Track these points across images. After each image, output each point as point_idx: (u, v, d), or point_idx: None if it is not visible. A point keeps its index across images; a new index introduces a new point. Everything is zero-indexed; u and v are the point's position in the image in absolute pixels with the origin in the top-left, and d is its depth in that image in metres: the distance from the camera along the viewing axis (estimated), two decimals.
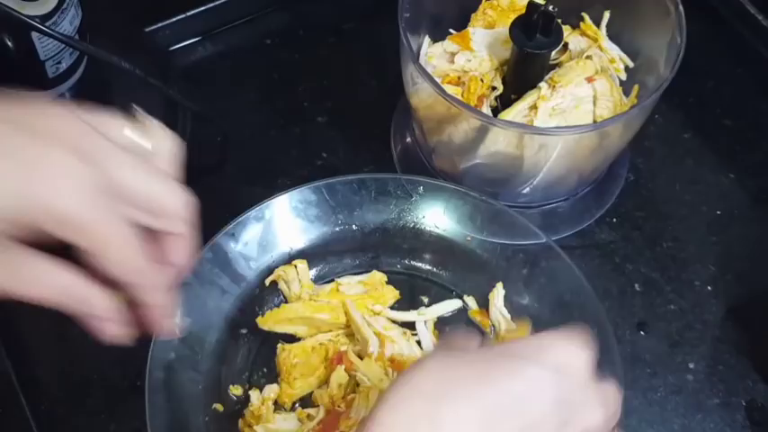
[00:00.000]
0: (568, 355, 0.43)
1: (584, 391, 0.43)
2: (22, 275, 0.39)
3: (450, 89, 0.70)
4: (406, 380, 0.41)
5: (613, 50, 0.73)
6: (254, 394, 0.61)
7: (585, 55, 0.71)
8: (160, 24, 0.80)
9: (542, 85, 0.68)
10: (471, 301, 0.67)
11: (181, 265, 0.44)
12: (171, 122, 0.72)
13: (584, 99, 0.68)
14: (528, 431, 0.41)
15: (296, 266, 0.66)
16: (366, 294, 0.65)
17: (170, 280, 0.43)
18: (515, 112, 0.68)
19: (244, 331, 0.64)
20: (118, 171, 0.38)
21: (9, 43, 0.59)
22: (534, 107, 0.67)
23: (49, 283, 0.39)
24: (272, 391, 0.62)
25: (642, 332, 0.69)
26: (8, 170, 0.36)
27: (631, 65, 0.73)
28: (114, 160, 0.38)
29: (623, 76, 0.72)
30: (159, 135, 0.42)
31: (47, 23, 0.57)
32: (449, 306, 0.66)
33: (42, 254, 0.39)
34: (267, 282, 0.65)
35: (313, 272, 0.67)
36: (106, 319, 0.41)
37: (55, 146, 0.37)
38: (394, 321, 0.65)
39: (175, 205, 0.41)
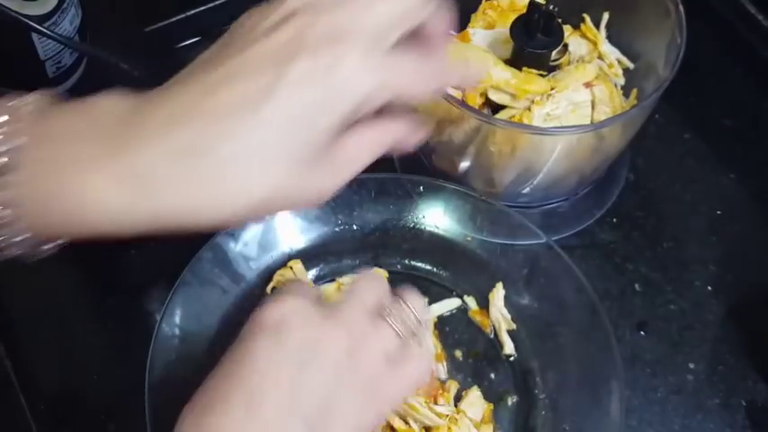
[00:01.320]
0: (285, 311, 0.46)
1: (316, 328, 0.46)
2: (345, 165, 0.44)
3: (450, 89, 0.70)
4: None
5: (612, 54, 0.73)
6: None
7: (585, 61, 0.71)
8: (160, 24, 0.80)
9: None
10: (471, 301, 0.67)
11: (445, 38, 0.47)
12: None
13: (582, 104, 0.68)
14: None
15: (291, 268, 0.66)
16: None
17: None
18: (509, 116, 0.68)
19: None
20: (364, 20, 0.42)
21: (9, 43, 0.59)
22: (528, 110, 0.67)
23: (367, 149, 0.45)
24: None
25: (642, 332, 0.69)
26: (316, 93, 0.40)
27: (631, 66, 0.73)
28: (353, 15, 0.42)
29: (621, 81, 0.72)
30: None
31: (47, 23, 0.57)
32: (448, 305, 0.66)
33: (346, 134, 0.43)
34: (268, 289, 0.65)
35: (313, 272, 0.67)
36: (410, 135, 0.47)
37: (321, 51, 0.41)
38: None
39: (428, 12, 0.45)
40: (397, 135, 0.46)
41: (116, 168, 0.40)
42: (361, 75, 0.41)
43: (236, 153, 0.40)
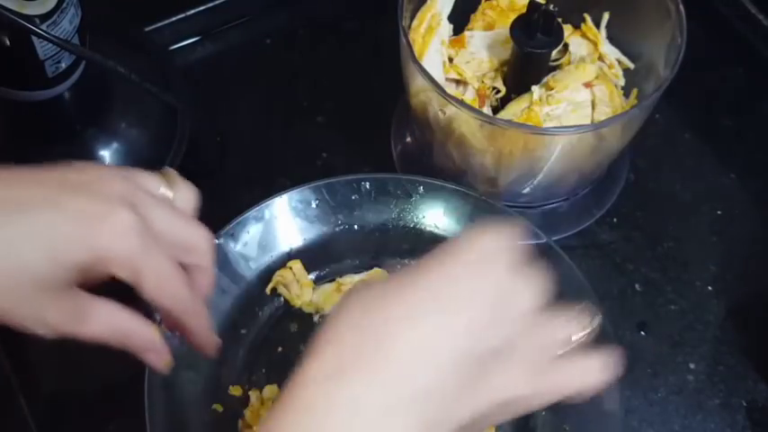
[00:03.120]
0: (486, 247, 0.44)
1: (512, 277, 0.44)
2: (83, 317, 0.45)
3: (450, 89, 0.70)
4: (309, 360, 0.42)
5: (613, 54, 0.73)
6: (253, 395, 0.61)
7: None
8: (160, 24, 0.80)
9: (535, 89, 0.68)
10: None
11: (207, 294, 0.51)
12: (170, 121, 0.73)
13: (582, 104, 0.68)
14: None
15: (291, 268, 0.66)
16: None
17: (202, 306, 0.51)
18: (510, 115, 0.68)
19: (244, 331, 0.64)
20: (158, 220, 0.47)
21: (8, 43, 0.58)
22: (529, 109, 0.67)
23: (105, 322, 0.46)
24: (271, 391, 0.62)
25: (642, 332, 0.69)
26: (79, 227, 0.43)
27: (631, 66, 0.73)
28: (155, 212, 0.47)
29: (621, 82, 0.72)
30: (181, 185, 0.50)
31: (46, 23, 0.57)
32: None
33: (99, 297, 0.46)
34: (268, 290, 0.65)
35: (314, 272, 0.67)
36: (152, 350, 0.49)
37: (112, 203, 0.44)
38: None
39: (202, 242, 0.50)
40: (142, 342, 0.48)
41: None
42: (120, 237, 0.44)
43: None
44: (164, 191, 0.50)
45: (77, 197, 0.44)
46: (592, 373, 0.46)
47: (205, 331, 0.51)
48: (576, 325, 0.47)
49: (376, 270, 0.67)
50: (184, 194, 0.50)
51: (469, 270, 0.43)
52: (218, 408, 0.61)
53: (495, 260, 0.43)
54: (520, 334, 0.43)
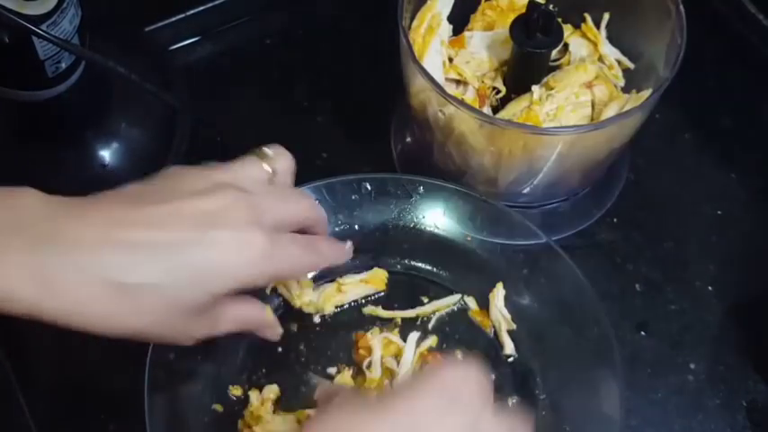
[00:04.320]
0: (460, 381, 0.45)
1: (485, 414, 0.45)
2: (218, 323, 0.51)
3: (450, 89, 0.70)
4: None
5: (612, 54, 0.73)
6: (253, 395, 0.61)
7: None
8: (160, 24, 0.80)
9: (535, 88, 0.68)
10: (471, 302, 0.67)
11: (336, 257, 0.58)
12: (170, 121, 0.73)
13: (582, 104, 0.68)
14: None
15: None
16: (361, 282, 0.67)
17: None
18: (510, 115, 0.68)
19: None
20: (272, 214, 0.51)
21: (8, 43, 0.58)
22: (528, 109, 0.67)
23: (233, 320, 0.52)
24: (271, 391, 0.62)
25: (643, 332, 0.69)
26: (224, 259, 0.48)
27: (631, 66, 0.73)
28: (266, 209, 0.51)
29: (621, 83, 0.72)
30: (277, 159, 0.55)
31: (46, 23, 0.57)
32: (448, 301, 0.66)
33: (224, 300, 0.50)
34: (268, 290, 0.65)
35: (313, 272, 0.67)
36: (268, 327, 0.57)
37: (245, 230, 0.49)
38: (392, 319, 0.65)
39: (315, 213, 0.56)
40: (261, 324, 0.57)
41: (32, 264, 0.44)
42: (259, 263, 0.49)
43: (137, 287, 0.46)
44: (266, 168, 0.54)
45: (215, 232, 0.48)
46: None
47: (341, 255, 0.59)
48: None
49: (376, 270, 0.67)
50: (283, 165, 0.55)
51: (439, 409, 0.44)
52: (219, 408, 0.61)
53: (469, 399, 0.45)
54: None
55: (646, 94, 0.66)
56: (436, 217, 0.68)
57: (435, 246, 0.68)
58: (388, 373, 0.63)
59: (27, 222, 0.45)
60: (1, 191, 0.47)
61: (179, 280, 0.47)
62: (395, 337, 0.64)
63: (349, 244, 0.59)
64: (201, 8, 0.81)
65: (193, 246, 0.47)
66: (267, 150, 0.55)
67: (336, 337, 0.65)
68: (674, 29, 0.66)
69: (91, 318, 0.46)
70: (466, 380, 0.45)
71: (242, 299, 0.53)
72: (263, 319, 0.56)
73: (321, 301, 0.65)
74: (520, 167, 0.67)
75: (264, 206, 0.51)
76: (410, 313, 0.66)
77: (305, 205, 0.55)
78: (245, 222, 0.49)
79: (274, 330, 0.58)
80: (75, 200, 0.48)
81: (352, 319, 0.66)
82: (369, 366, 0.62)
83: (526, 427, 0.48)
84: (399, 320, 0.66)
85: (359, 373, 0.63)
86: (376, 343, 0.63)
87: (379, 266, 0.68)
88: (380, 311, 0.66)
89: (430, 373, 0.47)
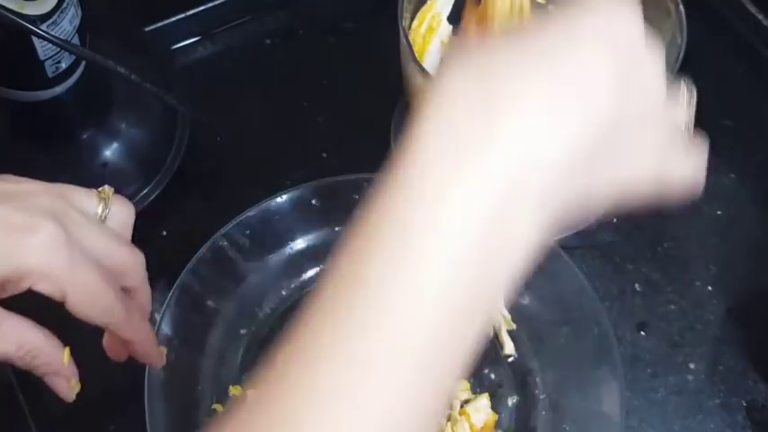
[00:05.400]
0: (620, 21, 0.37)
1: (642, 58, 0.37)
2: None
3: None
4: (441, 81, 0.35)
5: None
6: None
7: None
8: (160, 24, 0.80)
9: None
10: None
11: (146, 310, 0.51)
12: (170, 121, 0.73)
13: None
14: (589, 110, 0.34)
15: None
16: None
17: (140, 319, 0.50)
18: None
19: (243, 331, 0.64)
20: (87, 239, 0.45)
21: (8, 42, 0.58)
22: None
23: (15, 339, 0.45)
24: None
25: (642, 332, 0.69)
26: (3, 238, 0.42)
27: None
28: (84, 230, 0.45)
29: None
30: (117, 204, 0.50)
31: (46, 23, 0.57)
32: None
33: (10, 312, 0.45)
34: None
35: (313, 272, 0.67)
36: (58, 374, 0.48)
37: (40, 216, 0.43)
38: None
39: (132, 264, 0.48)
40: (50, 364, 0.47)
41: None
42: (45, 251, 0.43)
43: None
44: (98, 210, 0.49)
45: (2, 207, 0.43)
46: (699, 168, 0.43)
47: (147, 343, 0.51)
48: (687, 111, 0.43)
49: None
50: (120, 213, 0.49)
51: (599, 27, 0.36)
52: (219, 408, 0.61)
53: (626, 21, 0.36)
54: (653, 108, 0.38)
55: None
56: None
57: None
58: None
59: None
60: None
61: None
62: None
63: (163, 351, 0.55)
64: (202, 8, 0.81)
65: None
66: (107, 188, 0.50)
67: None
68: (673, 28, 0.66)
69: None
70: (627, 22, 0.36)
71: (32, 324, 0.46)
72: (52, 358, 0.47)
73: None
74: None
75: (78, 221, 0.45)
76: None
77: (127, 250, 0.48)
78: (44, 210, 0.43)
79: (66, 382, 0.49)
80: None
81: None
82: None
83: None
84: None
85: None
86: None
87: None
88: None
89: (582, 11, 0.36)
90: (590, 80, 0.35)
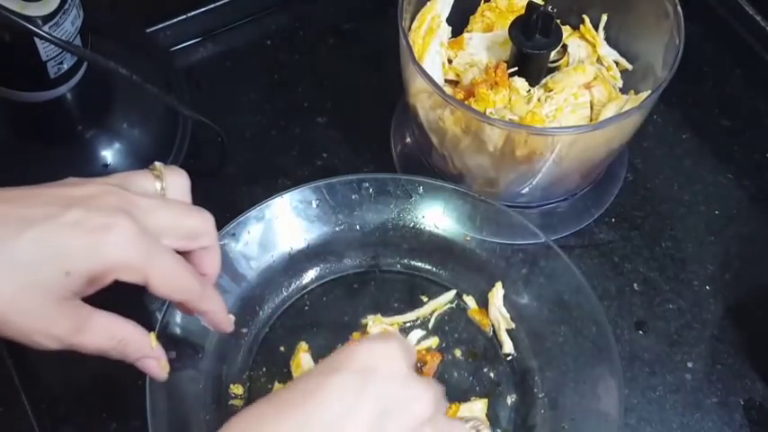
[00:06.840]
0: (376, 355, 0.46)
1: (403, 385, 0.46)
2: (85, 327, 0.47)
3: (449, 90, 0.70)
4: None
5: (610, 56, 0.73)
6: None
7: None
8: (161, 25, 0.80)
9: (534, 90, 0.68)
10: (471, 301, 0.67)
11: (215, 274, 0.54)
12: (171, 122, 0.73)
13: (581, 105, 0.69)
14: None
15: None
16: None
17: (213, 289, 0.54)
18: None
19: (244, 330, 0.65)
20: (157, 220, 0.49)
21: (10, 44, 0.59)
22: (530, 110, 0.68)
23: (105, 332, 0.48)
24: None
25: (641, 331, 0.69)
26: (85, 239, 0.45)
27: (630, 67, 0.73)
28: (153, 213, 0.48)
29: (620, 84, 0.72)
30: (170, 175, 0.52)
31: (48, 24, 0.58)
32: (444, 299, 0.67)
33: (98, 309, 0.48)
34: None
35: (313, 272, 0.68)
36: (149, 357, 0.51)
37: (111, 214, 0.46)
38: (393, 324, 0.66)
39: (203, 225, 0.52)
40: (140, 350, 0.51)
41: None
42: (124, 245, 0.46)
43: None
44: (156, 185, 0.51)
45: (77, 211, 0.46)
46: None
47: (220, 312, 0.54)
48: None
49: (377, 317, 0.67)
50: (175, 182, 0.52)
51: (349, 385, 0.45)
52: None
53: (381, 372, 0.45)
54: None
55: (644, 94, 0.67)
56: (436, 217, 0.69)
57: (435, 245, 0.69)
58: None
59: None
60: None
61: (31, 254, 0.44)
62: (392, 329, 0.64)
63: (232, 318, 0.57)
64: (203, 9, 0.81)
65: (49, 220, 0.45)
66: (159, 164, 0.53)
67: (336, 338, 0.65)
68: (671, 30, 0.66)
69: None
70: (384, 354, 0.46)
71: (118, 316, 0.49)
72: (141, 344, 0.50)
73: None
74: (519, 167, 0.67)
75: (145, 206, 0.48)
76: (410, 317, 0.66)
77: (195, 215, 0.52)
78: (113, 207, 0.47)
79: (157, 364, 0.52)
80: None
81: (353, 323, 0.66)
82: None
83: (438, 389, 0.48)
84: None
85: None
86: (375, 332, 0.63)
87: (379, 267, 0.68)
88: (381, 319, 0.66)
89: (343, 349, 0.47)
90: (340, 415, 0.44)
